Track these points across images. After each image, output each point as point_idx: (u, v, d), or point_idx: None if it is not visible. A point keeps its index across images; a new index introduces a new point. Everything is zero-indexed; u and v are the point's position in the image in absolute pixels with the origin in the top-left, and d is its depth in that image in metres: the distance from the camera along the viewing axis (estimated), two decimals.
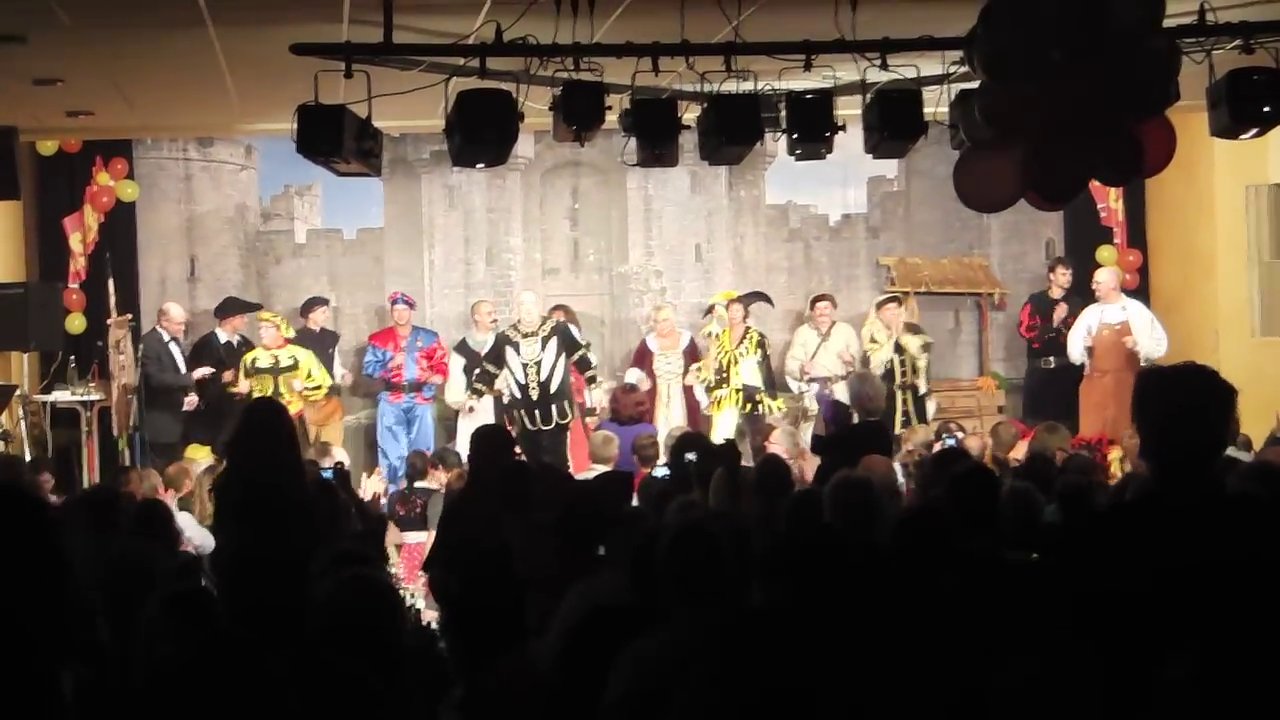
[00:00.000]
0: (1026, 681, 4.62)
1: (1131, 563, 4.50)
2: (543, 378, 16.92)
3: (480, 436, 10.51)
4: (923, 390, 17.83)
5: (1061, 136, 9.74)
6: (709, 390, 17.91)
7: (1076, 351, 17.62)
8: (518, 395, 16.97)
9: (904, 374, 17.65)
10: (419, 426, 18.06)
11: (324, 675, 4.97)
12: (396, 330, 18.25)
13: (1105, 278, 17.96)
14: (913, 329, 18.01)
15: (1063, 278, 18.63)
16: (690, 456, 10.09)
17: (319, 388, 17.52)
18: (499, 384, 17.25)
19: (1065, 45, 9.29)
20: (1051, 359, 18.28)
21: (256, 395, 16.34)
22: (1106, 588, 4.50)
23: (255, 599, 5.72)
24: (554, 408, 16.93)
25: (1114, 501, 9.01)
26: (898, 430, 15.96)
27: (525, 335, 17.03)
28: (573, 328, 17.68)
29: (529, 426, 16.83)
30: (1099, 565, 4.60)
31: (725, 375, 17.86)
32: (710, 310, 18.45)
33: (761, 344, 18.07)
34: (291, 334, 17.79)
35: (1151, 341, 17.29)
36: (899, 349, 17.71)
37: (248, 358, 17.41)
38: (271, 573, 6.25)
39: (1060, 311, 18.27)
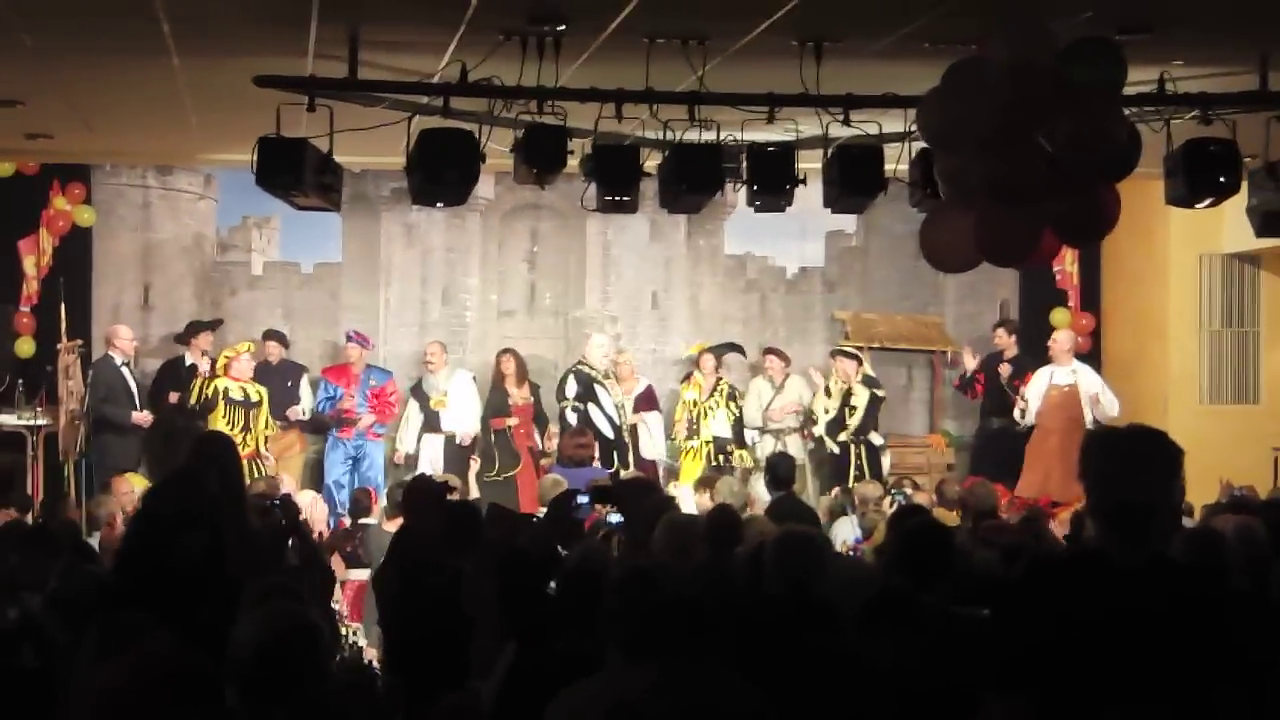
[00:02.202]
0: None
1: (1065, 620, 4.50)
2: (630, 421, 17.21)
3: (415, 488, 10.46)
4: (878, 443, 17.91)
5: (1008, 200, 9.79)
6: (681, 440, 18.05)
7: (1032, 412, 17.64)
8: (610, 436, 17.05)
9: (853, 429, 17.74)
10: (368, 464, 18.02)
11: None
12: (350, 368, 18.23)
13: (1062, 339, 18.04)
14: (871, 382, 18.10)
15: (1004, 339, 18.68)
16: (582, 499, 10.06)
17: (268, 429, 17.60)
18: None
19: (1018, 112, 9.36)
20: (995, 420, 18.31)
21: (224, 427, 16.42)
22: (1039, 643, 4.51)
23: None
24: (619, 452, 17.18)
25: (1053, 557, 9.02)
26: (850, 483, 16.05)
27: (605, 377, 17.19)
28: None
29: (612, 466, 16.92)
30: (1033, 621, 4.61)
31: (696, 427, 17.97)
32: (689, 377, 18.51)
33: (732, 396, 18.19)
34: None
35: (1107, 402, 17.38)
36: (847, 401, 17.80)
37: (217, 385, 17.34)
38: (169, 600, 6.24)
39: (1005, 371, 18.32)
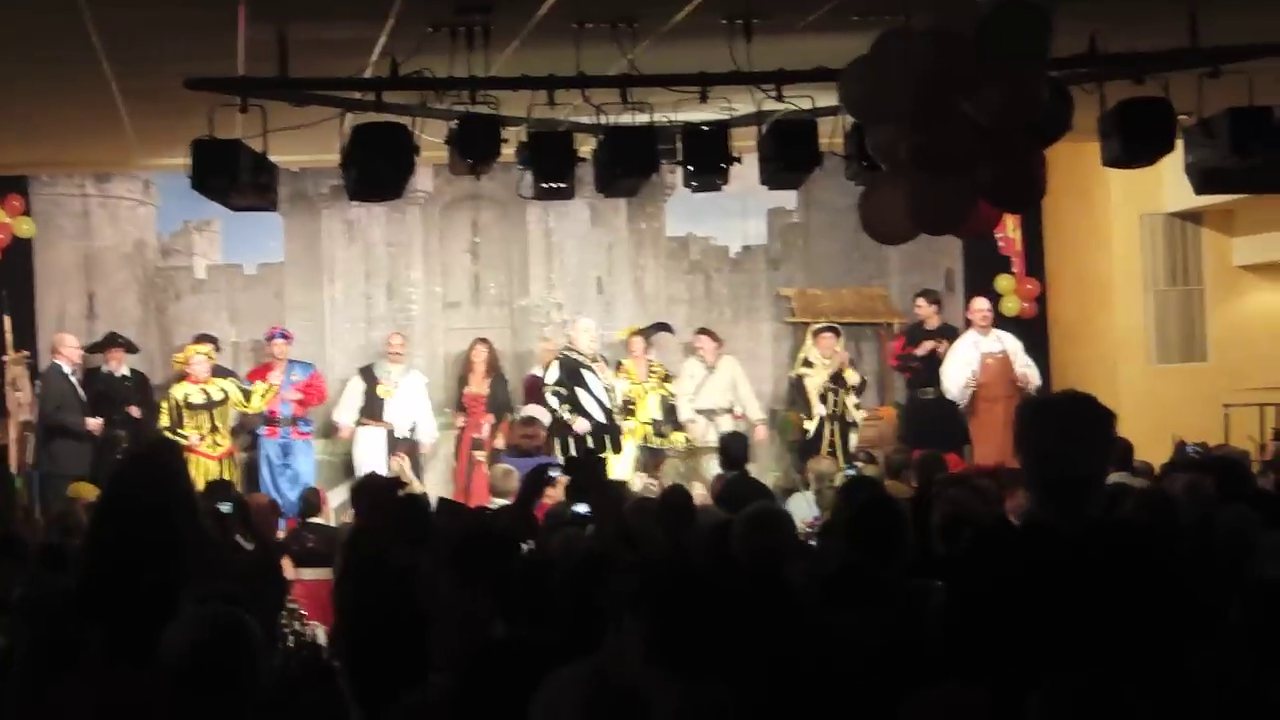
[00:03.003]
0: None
1: (1007, 590, 4.51)
2: (616, 402, 17.18)
3: (367, 486, 10.45)
4: (851, 419, 17.95)
5: (933, 169, 9.83)
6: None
7: (956, 387, 17.67)
8: (602, 420, 17.05)
9: (836, 405, 17.79)
10: (297, 465, 17.93)
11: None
12: (273, 365, 18.13)
13: (983, 307, 18.10)
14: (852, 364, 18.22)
15: (925, 309, 18.73)
16: (554, 473, 10.03)
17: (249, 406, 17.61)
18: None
19: (940, 82, 9.39)
20: (929, 390, 18.32)
21: (192, 433, 16.43)
22: (982, 615, 4.51)
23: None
24: (608, 437, 17.25)
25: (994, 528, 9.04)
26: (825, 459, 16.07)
27: (593, 360, 17.17)
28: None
29: (599, 453, 16.79)
30: (976, 592, 4.62)
31: (632, 408, 17.94)
32: (619, 366, 18.47)
33: (665, 378, 18.18)
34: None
35: (1033, 373, 17.53)
36: (838, 379, 17.84)
37: (177, 393, 17.29)
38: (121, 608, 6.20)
39: (928, 344, 18.41)
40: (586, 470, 9.77)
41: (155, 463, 8.21)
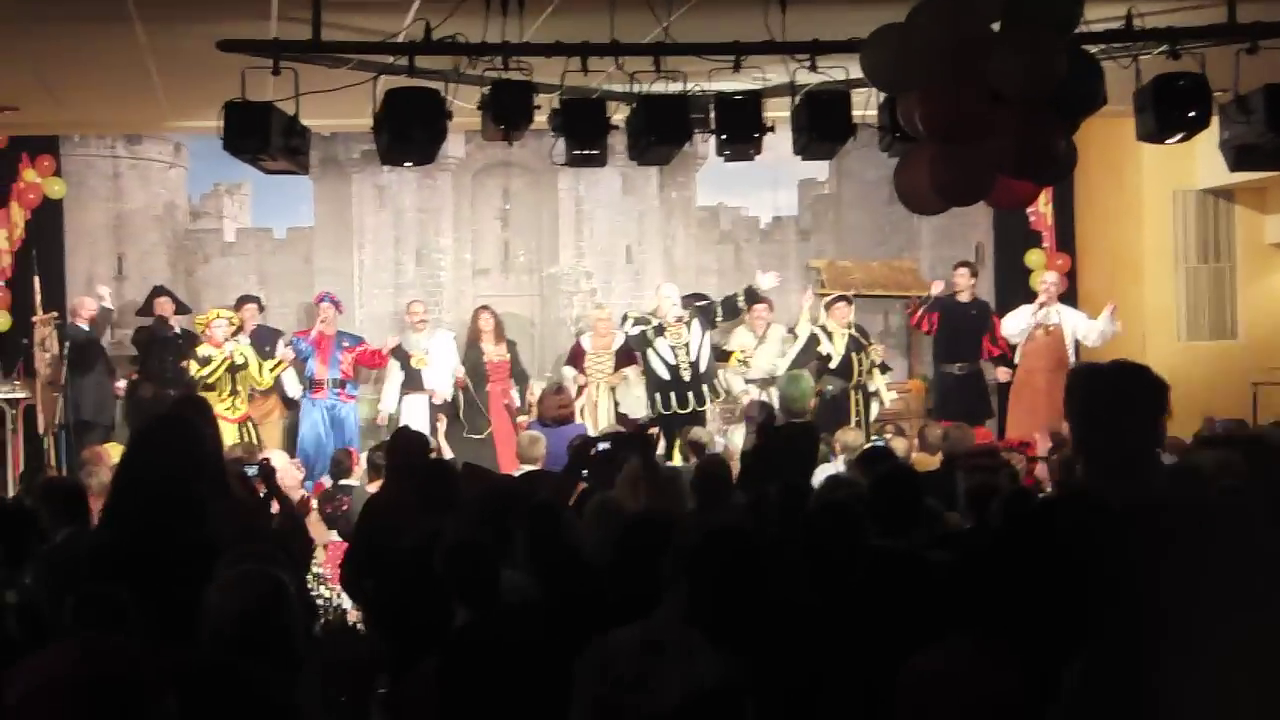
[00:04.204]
0: (934, 674, 4.60)
1: (1052, 561, 4.47)
2: (693, 358, 17.13)
3: (400, 438, 10.47)
4: (872, 388, 17.92)
5: (947, 137, 9.81)
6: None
7: (1014, 332, 17.79)
8: (667, 378, 17.08)
9: (860, 373, 17.74)
10: (342, 425, 17.93)
11: (211, 675, 4.95)
12: (322, 330, 18.14)
13: (1054, 279, 18.09)
14: (861, 331, 18.17)
15: (964, 281, 18.66)
16: (603, 446, 9.92)
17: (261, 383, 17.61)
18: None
19: (959, 52, 9.38)
20: (956, 366, 18.30)
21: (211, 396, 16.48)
22: (1025, 585, 4.48)
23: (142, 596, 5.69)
24: (705, 388, 17.18)
25: (1044, 499, 9.02)
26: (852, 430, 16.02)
27: (669, 326, 17.22)
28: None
29: (678, 409, 17.10)
30: (1020, 562, 4.59)
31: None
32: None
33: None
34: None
35: (1094, 331, 17.52)
36: (858, 346, 17.79)
37: (199, 354, 17.30)
38: (151, 568, 6.20)
39: (937, 285, 18.59)
40: (635, 448, 9.72)
41: (183, 422, 8.21)
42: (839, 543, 6.40)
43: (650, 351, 17.37)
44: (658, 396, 17.31)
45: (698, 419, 16.94)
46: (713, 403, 17.46)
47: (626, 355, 18.25)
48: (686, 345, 17.35)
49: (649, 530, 6.63)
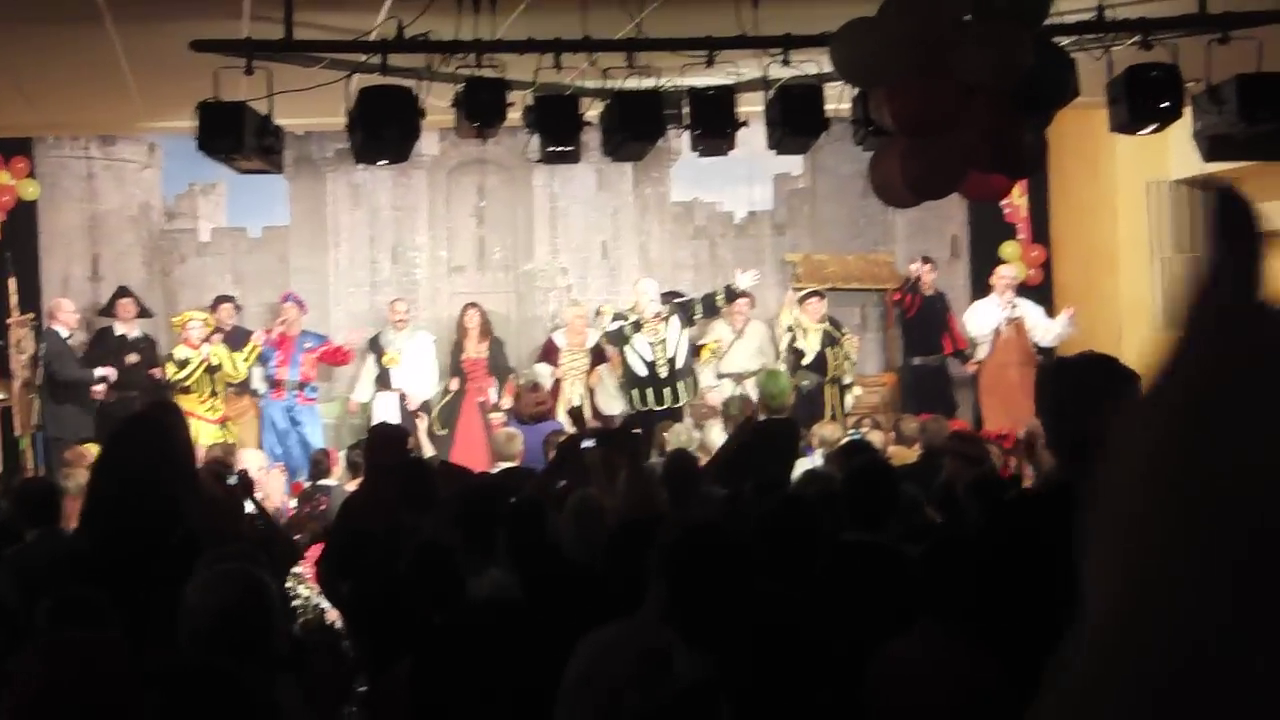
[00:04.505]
0: (909, 660, 4.62)
1: (1030, 552, 4.49)
2: (670, 355, 17.16)
3: (378, 434, 10.46)
4: (846, 381, 17.97)
5: (914, 130, 9.84)
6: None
7: (983, 347, 17.82)
8: (644, 374, 17.11)
9: (835, 367, 17.78)
10: (304, 429, 17.90)
11: (191, 675, 4.95)
12: (284, 331, 18.10)
13: (1010, 273, 18.17)
14: (836, 324, 18.20)
15: (926, 274, 18.78)
16: (588, 443, 9.90)
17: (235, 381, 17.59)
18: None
19: (926, 46, 9.41)
20: (917, 359, 18.48)
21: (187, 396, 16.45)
22: (1005, 575, 4.50)
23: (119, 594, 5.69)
24: (682, 385, 17.21)
25: (1020, 491, 9.05)
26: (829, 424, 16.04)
27: (646, 323, 17.25)
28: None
29: (654, 406, 17.21)
30: (1000, 554, 4.60)
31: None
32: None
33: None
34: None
35: (1050, 332, 17.63)
36: (833, 341, 17.83)
37: (176, 356, 17.30)
38: (128, 569, 6.19)
39: (914, 267, 18.83)
40: (622, 443, 9.68)
41: (153, 423, 8.21)
42: (797, 537, 6.39)
43: (628, 348, 17.40)
44: (635, 393, 17.35)
45: (675, 416, 16.96)
46: (690, 400, 17.47)
47: (598, 354, 18.28)
48: (664, 342, 17.37)
49: (638, 531, 6.63)
